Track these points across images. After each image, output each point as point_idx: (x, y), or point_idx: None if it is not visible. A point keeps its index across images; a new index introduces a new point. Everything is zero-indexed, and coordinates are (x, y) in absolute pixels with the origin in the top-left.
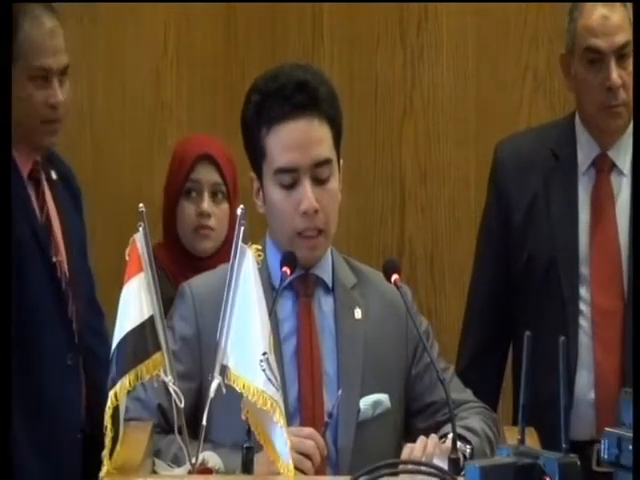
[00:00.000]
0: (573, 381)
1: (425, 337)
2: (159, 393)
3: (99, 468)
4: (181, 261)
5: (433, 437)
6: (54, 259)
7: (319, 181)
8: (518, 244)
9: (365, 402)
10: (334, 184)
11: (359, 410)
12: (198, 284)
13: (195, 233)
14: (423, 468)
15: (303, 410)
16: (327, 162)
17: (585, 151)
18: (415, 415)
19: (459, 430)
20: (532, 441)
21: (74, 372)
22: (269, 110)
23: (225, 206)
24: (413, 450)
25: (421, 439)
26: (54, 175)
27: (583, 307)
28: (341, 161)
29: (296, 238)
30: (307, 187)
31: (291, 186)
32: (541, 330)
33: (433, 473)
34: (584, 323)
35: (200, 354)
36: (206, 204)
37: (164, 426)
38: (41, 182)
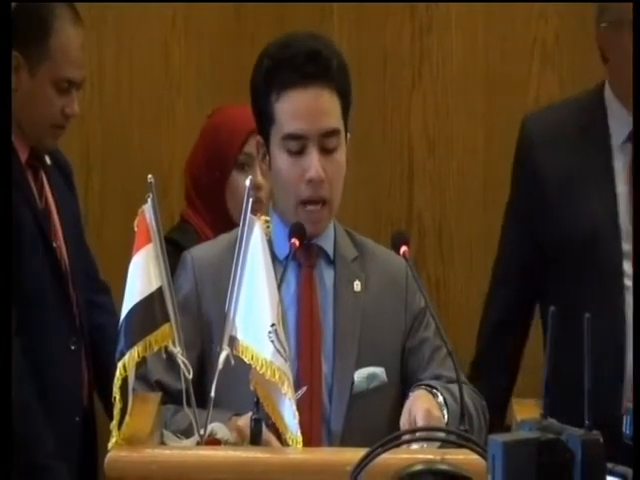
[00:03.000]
0: (623, 361)
1: (423, 313)
2: (157, 369)
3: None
4: (219, 228)
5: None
6: (54, 244)
7: (326, 151)
8: (552, 221)
9: (360, 375)
10: (341, 156)
11: (353, 382)
12: (199, 252)
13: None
14: (451, 437)
15: (301, 383)
16: (335, 133)
17: (620, 124)
18: (409, 390)
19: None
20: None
21: (76, 357)
22: (279, 77)
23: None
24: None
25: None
26: (48, 160)
27: (628, 282)
28: (349, 135)
29: (300, 208)
30: (314, 155)
31: (298, 153)
32: (579, 307)
33: (462, 444)
34: (630, 299)
35: (200, 321)
36: (259, 178)
37: (165, 400)
38: (39, 168)
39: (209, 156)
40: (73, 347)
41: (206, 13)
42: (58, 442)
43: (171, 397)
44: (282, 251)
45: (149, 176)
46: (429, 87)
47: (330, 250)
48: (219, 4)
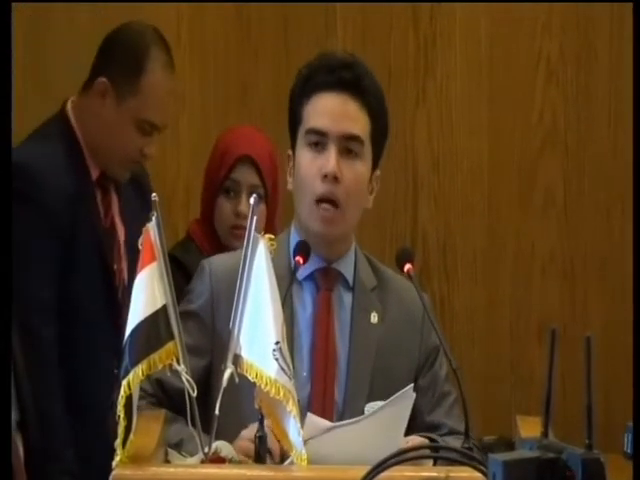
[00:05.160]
0: None
1: (437, 350)
2: None
3: None
4: (216, 247)
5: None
6: (115, 267)
7: (347, 153)
8: None
9: (370, 408)
10: (361, 167)
11: (363, 413)
12: (218, 263)
13: (230, 231)
14: (453, 455)
15: (312, 409)
16: (357, 139)
17: None
18: (412, 429)
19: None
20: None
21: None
22: (313, 81)
23: (262, 207)
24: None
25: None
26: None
27: None
28: (378, 171)
29: (314, 206)
30: (332, 153)
31: (318, 148)
32: None
33: (465, 462)
34: None
35: (213, 331)
36: (243, 206)
37: (160, 396)
38: (109, 188)
39: (205, 178)
40: (116, 371)
41: (210, 30)
42: (84, 469)
43: (168, 396)
44: (300, 267)
45: (153, 195)
46: (433, 102)
47: (349, 276)
48: (221, 5)
